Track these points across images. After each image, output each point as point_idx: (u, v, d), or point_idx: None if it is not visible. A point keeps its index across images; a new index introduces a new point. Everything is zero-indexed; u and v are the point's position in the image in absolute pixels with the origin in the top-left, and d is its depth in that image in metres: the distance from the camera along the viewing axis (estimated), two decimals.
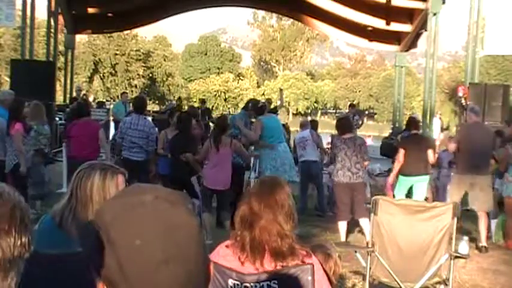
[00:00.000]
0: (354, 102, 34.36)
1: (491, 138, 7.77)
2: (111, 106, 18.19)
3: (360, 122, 14.35)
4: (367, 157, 7.48)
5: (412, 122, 8.74)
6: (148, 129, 7.89)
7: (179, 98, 20.51)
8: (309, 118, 18.37)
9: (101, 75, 53.14)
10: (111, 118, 14.65)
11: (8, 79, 26.37)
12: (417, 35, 18.73)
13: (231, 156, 7.34)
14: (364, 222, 7.13)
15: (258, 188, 2.54)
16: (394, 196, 7.85)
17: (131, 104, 16.18)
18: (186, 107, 18.22)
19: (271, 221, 2.39)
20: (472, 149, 7.45)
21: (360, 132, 12.41)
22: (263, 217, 2.39)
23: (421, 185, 8.11)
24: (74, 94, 17.61)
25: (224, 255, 2.44)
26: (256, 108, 8.69)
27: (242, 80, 61.18)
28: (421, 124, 9.79)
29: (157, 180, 8.30)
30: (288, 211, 2.44)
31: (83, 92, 18.95)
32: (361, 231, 7.53)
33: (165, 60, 56.78)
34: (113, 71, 53.10)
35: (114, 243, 0.88)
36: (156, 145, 8.16)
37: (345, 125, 7.75)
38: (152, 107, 39.58)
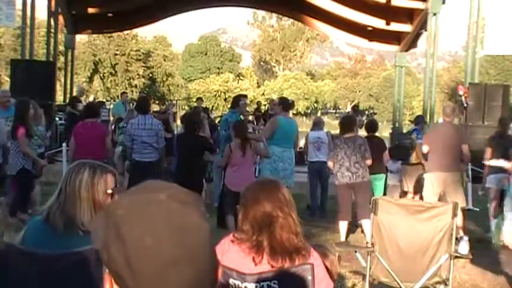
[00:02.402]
0: (354, 103, 34.33)
1: (460, 136, 8.06)
2: (111, 106, 18.21)
3: (364, 121, 14.36)
4: (368, 155, 7.42)
5: (373, 125, 9.48)
6: (156, 126, 7.89)
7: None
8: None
9: (101, 75, 53.12)
10: (111, 118, 14.67)
11: (8, 79, 26.37)
12: (417, 35, 18.73)
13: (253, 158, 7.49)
14: (366, 223, 7.14)
15: (264, 188, 2.47)
16: None
17: (132, 104, 16.25)
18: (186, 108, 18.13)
19: (287, 218, 2.37)
20: (442, 148, 7.71)
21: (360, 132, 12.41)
22: (279, 216, 2.36)
23: (379, 183, 8.68)
24: (74, 93, 17.64)
25: (230, 251, 2.40)
26: (285, 104, 8.55)
27: (242, 80, 61.17)
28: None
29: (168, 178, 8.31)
30: (294, 206, 2.45)
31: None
32: (362, 232, 7.53)
33: (165, 60, 56.76)
34: (113, 71, 53.07)
35: (124, 239, 0.88)
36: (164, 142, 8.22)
37: (345, 124, 7.76)
38: (152, 107, 39.47)
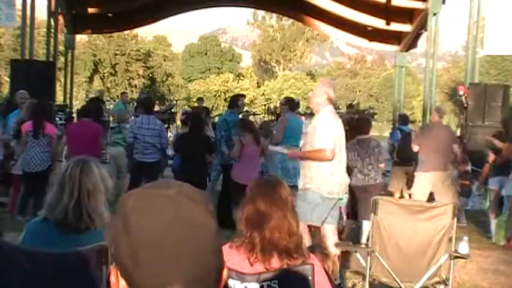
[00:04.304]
0: (354, 103, 34.25)
1: (451, 136, 8.30)
2: (111, 106, 18.21)
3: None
4: (383, 159, 7.30)
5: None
6: (159, 127, 8.02)
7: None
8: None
9: (101, 75, 53.08)
10: (111, 118, 14.65)
11: (8, 79, 26.36)
12: (417, 35, 18.73)
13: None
14: (366, 224, 7.16)
15: (260, 187, 2.47)
16: None
17: (132, 104, 16.27)
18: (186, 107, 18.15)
19: (280, 218, 2.36)
20: (435, 148, 7.84)
21: None
22: (272, 216, 2.35)
23: None
24: (92, 95, 17.68)
25: (228, 255, 2.39)
26: (291, 104, 8.57)
27: (242, 80, 61.11)
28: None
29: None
30: (293, 207, 2.44)
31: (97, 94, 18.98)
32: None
33: (165, 60, 56.73)
34: (113, 71, 53.03)
35: (130, 230, 0.90)
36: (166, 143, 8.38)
37: (360, 126, 7.69)
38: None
